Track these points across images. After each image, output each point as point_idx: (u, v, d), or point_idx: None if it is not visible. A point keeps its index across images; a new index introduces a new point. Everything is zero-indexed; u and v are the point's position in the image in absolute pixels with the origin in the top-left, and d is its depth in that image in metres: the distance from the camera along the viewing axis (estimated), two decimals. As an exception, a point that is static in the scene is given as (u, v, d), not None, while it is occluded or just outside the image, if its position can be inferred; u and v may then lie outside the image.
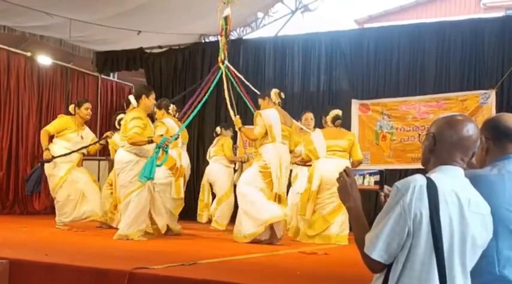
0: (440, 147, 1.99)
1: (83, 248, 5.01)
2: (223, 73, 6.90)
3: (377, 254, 1.87)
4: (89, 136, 7.31)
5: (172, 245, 5.53)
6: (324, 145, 6.57)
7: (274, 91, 6.32)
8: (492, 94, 7.98)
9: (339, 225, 6.42)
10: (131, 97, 6.30)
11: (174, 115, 7.21)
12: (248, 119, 7.43)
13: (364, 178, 2.15)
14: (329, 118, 6.75)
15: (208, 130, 9.83)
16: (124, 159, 5.99)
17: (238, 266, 4.28)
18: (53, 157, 6.83)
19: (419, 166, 2.27)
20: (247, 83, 7.42)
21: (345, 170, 2.09)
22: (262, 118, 6.13)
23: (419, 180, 1.88)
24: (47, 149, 6.86)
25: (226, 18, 7.09)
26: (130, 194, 5.86)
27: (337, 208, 6.36)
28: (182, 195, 6.91)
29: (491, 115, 2.42)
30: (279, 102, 6.33)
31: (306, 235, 6.52)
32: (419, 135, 2.16)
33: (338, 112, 6.81)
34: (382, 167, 7.26)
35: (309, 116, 7.39)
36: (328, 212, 6.44)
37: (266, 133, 6.10)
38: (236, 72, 7.31)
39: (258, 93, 7.20)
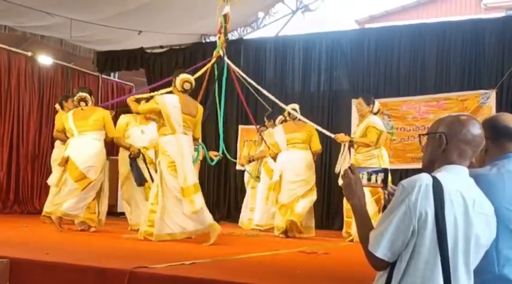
0: (453, 145, 2.00)
1: (83, 247, 5.01)
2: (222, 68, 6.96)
3: (381, 252, 1.88)
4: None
5: (173, 245, 5.52)
6: (284, 139, 7.13)
7: (179, 78, 6.00)
8: (492, 94, 7.98)
9: (302, 207, 6.87)
10: None
11: None
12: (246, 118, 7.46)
13: (369, 177, 2.14)
14: (286, 113, 7.35)
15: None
16: None
17: (238, 265, 4.28)
18: (139, 151, 6.99)
19: (419, 166, 2.26)
20: (250, 80, 7.46)
21: (350, 167, 2.09)
22: (157, 101, 5.95)
23: (425, 179, 1.88)
24: (130, 145, 7.02)
25: (225, 16, 7.12)
26: None
27: (300, 197, 6.90)
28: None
29: (490, 115, 2.42)
30: (183, 90, 5.98)
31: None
32: (420, 135, 2.16)
33: (294, 106, 7.32)
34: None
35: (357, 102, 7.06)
36: (291, 201, 6.91)
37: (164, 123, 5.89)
38: (237, 68, 7.37)
39: (262, 89, 7.35)
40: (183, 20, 10.25)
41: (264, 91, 7.59)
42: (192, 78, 6.09)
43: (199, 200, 5.75)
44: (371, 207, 6.08)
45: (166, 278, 3.42)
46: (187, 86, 5.99)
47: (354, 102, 8.81)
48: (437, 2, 17.39)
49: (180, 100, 5.89)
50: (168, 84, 6.47)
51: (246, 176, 8.52)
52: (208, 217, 5.76)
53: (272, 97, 7.46)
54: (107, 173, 6.95)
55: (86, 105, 6.88)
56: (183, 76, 6.02)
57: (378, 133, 6.56)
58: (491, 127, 2.27)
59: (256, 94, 7.96)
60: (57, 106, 7.99)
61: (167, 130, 5.83)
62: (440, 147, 2.02)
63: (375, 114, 6.81)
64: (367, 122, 6.64)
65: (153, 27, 10.19)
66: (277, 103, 7.39)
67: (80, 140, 6.64)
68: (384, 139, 6.68)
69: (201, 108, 6.18)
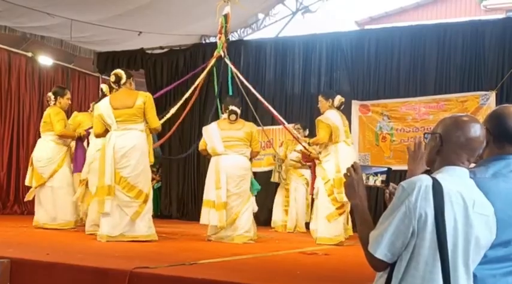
0: (448, 147, 1.99)
1: (83, 247, 5.01)
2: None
3: (381, 252, 1.88)
4: None
5: (173, 245, 5.54)
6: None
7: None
8: (492, 95, 7.99)
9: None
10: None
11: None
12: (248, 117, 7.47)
13: (369, 177, 2.12)
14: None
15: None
16: None
17: (238, 266, 4.29)
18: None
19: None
20: (246, 83, 7.48)
21: (353, 166, 2.08)
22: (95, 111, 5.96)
23: (425, 180, 1.88)
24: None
25: (226, 16, 7.13)
26: None
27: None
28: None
29: (502, 106, 2.27)
30: (116, 85, 5.87)
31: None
32: (424, 134, 2.15)
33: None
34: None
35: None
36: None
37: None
38: (235, 69, 7.38)
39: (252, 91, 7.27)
40: (183, 20, 10.28)
41: (258, 96, 7.63)
42: (118, 71, 5.95)
43: (108, 205, 5.53)
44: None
45: (166, 278, 3.43)
46: (112, 78, 5.89)
47: (354, 103, 8.88)
48: (437, 3, 17.40)
49: (111, 97, 5.83)
50: (168, 93, 6.50)
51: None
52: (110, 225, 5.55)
53: (266, 104, 7.53)
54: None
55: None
56: (113, 71, 6.01)
57: (326, 127, 6.29)
58: (497, 124, 2.20)
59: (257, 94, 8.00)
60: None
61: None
62: (436, 147, 2.01)
63: (338, 108, 6.58)
64: (317, 120, 6.46)
65: (153, 28, 10.20)
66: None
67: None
68: (338, 134, 6.31)
69: (142, 96, 5.77)
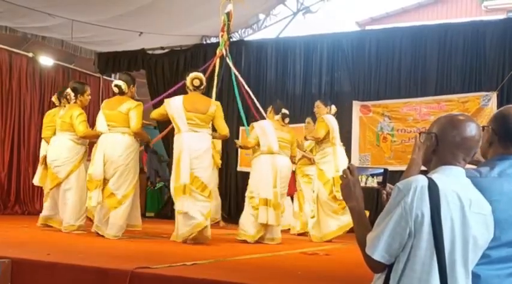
0: (443, 147, 1.98)
1: (84, 247, 5.01)
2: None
3: (378, 254, 1.87)
4: None
5: (173, 246, 5.54)
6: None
7: (189, 77, 6.01)
8: (493, 96, 7.99)
9: None
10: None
11: None
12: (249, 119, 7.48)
13: (367, 178, 2.12)
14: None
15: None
16: None
17: (239, 266, 4.29)
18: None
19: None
20: (243, 83, 7.51)
21: (349, 168, 2.08)
22: (165, 105, 5.97)
23: (420, 180, 1.87)
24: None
25: (228, 14, 7.15)
26: None
27: None
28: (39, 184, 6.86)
29: (507, 107, 2.27)
30: (194, 88, 5.95)
31: None
32: (419, 133, 2.16)
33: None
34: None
35: (315, 104, 7.23)
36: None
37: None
38: (234, 69, 7.41)
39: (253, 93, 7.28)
40: (183, 21, 10.29)
41: (252, 96, 7.68)
42: (201, 75, 6.09)
43: (185, 204, 5.57)
44: None
45: (167, 278, 3.43)
46: (196, 83, 5.95)
47: (355, 103, 8.89)
48: (437, 3, 17.39)
49: (185, 99, 5.89)
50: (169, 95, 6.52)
51: None
52: (192, 225, 5.58)
53: (258, 105, 7.57)
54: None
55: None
56: (192, 74, 6.05)
57: (325, 127, 6.75)
58: (503, 124, 2.19)
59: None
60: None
61: (175, 130, 5.90)
62: (432, 147, 2.01)
63: (333, 115, 7.04)
64: (319, 118, 6.91)
65: (154, 28, 10.21)
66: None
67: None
68: (334, 137, 6.77)
69: (214, 104, 5.98)
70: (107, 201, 5.87)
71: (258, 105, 7.97)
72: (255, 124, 6.62)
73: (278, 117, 6.56)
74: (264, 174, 6.27)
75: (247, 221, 6.25)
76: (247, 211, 6.31)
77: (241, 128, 9.83)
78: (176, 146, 5.79)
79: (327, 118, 6.83)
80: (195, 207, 5.59)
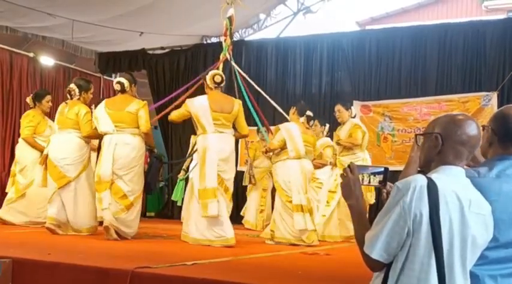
0: (448, 146, 1.99)
1: (85, 247, 5.02)
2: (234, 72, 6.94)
3: (377, 253, 1.88)
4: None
5: (174, 245, 5.54)
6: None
7: (209, 75, 5.85)
8: (494, 96, 8.00)
9: None
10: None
11: None
12: (251, 121, 7.48)
13: (368, 177, 2.13)
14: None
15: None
16: None
17: (239, 266, 4.30)
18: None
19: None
20: (254, 84, 7.50)
21: (349, 166, 2.08)
22: (187, 105, 5.80)
23: (419, 180, 1.88)
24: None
25: (230, 19, 7.14)
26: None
27: None
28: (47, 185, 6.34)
29: (507, 107, 2.27)
30: (216, 85, 5.79)
31: None
32: (416, 135, 2.16)
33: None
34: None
35: (336, 108, 7.09)
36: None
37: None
38: (241, 71, 7.40)
39: (262, 92, 7.24)
40: (184, 21, 10.29)
41: (267, 97, 7.65)
42: (220, 71, 5.98)
43: (214, 206, 5.45)
44: None
45: (167, 278, 3.43)
46: (218, 79, 5.78)
47: (356, 103, 8.88)
48: (438, 3, 17.40)
49: (210, 99, 5.72)
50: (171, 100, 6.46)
51: None
52: (226, 230, 5.51)
53: (273, 103, 7.52)
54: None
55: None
56: (213, 71, 5.95)
57: (363, 133, 6.80)
58: (502, 124, 2.19)
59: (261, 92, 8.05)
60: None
61: (199, 131, 5.75)
62: (436, 147, 2.01)
63: (353, 118, 7.03)
64: (351, 122, 6.84)
65: (155, 28, 10.22)
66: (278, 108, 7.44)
67: None
68: (367, 141, 6.87)
69: (237, 103, 5.85)
70: (120, 202, 5.73)
71: (275, 105, 7.78)
72: (281, 126, 6.32)
73: (303, 119, 6.34)
74: (293, 179, 6.04)
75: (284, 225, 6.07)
76: (282, 216, 6.08)
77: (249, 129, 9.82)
78: (201, 147, 5.64)
79: (360, 123, 6.94)
80: (222, 212, 5.50)
